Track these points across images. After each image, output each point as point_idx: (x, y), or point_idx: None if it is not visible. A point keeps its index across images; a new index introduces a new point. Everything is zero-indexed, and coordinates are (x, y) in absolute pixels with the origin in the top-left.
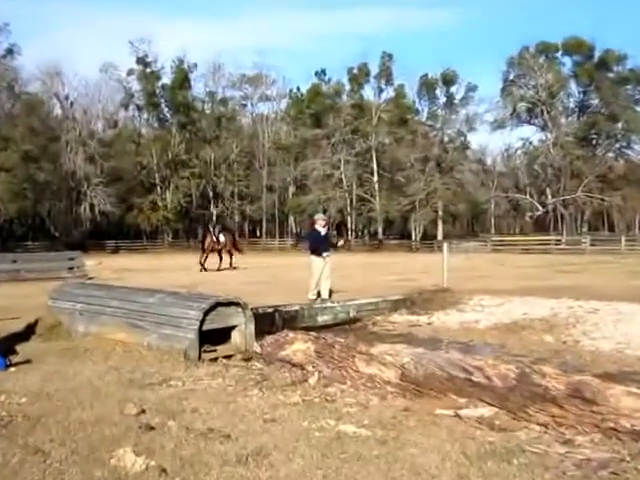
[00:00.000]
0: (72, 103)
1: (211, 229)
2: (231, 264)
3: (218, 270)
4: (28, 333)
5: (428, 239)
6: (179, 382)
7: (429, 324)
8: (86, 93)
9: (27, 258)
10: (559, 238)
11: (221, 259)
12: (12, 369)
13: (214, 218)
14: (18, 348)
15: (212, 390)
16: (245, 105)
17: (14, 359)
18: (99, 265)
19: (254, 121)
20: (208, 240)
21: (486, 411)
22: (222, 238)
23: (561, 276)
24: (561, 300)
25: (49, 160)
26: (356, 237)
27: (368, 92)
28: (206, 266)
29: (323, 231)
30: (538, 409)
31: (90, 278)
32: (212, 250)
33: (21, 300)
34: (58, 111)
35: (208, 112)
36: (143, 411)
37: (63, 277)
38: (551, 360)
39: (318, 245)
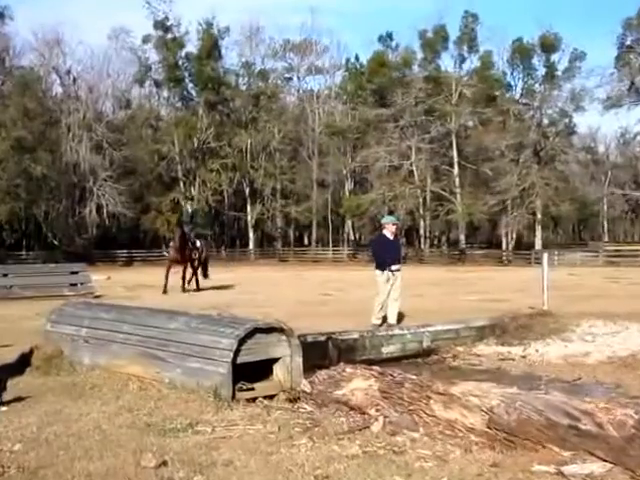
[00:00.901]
0: (75, 79)
1: (185, 229)
2: (197, 283)
3: (184, 290)
4: (22, 365)
5: (523, 249)
6: (208, 427)
7: (524, 357)
8: (92, 66)
9: (20, 271)
10: None
11: (195, 273)
12: (3, 408)
13: (252, 221)
14: (9, 384)
15: (249, 438)
16: (290, 79)
17: (4, 396)
18: (108, 280)
19: (301, 100)
20: (183, 248)
21: (597, 467)
22: (198, 243)
23: None
24: None
25: (47, 149)
26: (431, 246)
27: (446, 62)
28: (189, 285)
29: (392, 238)
30: None
31: (97, 296)
32: (183, 261)
33: (13, 323)
34: (58, 89)
35: (243, 88)
36: (164, 463)
37: (64, 295)
38: None
39: (386, 256)
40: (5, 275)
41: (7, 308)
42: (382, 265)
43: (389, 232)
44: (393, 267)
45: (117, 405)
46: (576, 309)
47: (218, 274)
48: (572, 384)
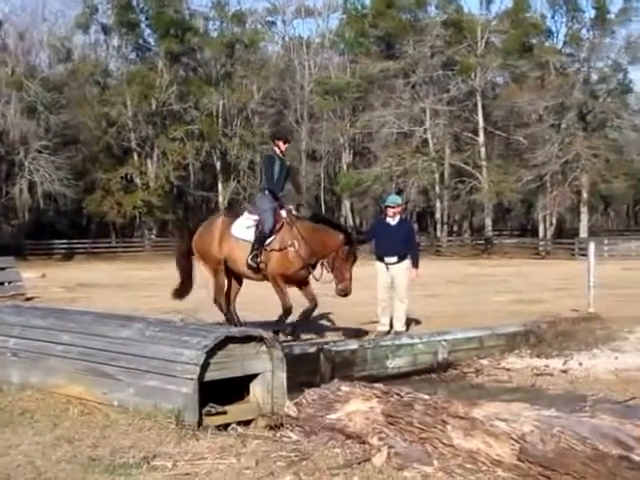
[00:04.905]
0: (1, 23)
1: None
2: None
3: None
4: None
5: (565, 237)
6: (168, 462)
7: (565, 372)
8: (22, 7)
9: None
10: None
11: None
12: None
13: (224, 202)
14: None
15: (219, 475)
16: (273, 24)
17: None
18: (43, 278)
19: (287, 50)
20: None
21: None
22: None
23: None
24: None
25: None
26: (450, 234)
27: (470, 1)
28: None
29: (394, 222)
30: None
31: (29, 299)
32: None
33: None
34: None
35: (214, 35)
36: None
37: None
38: None
39: (378, 244)
40: None
41: None
42: (376, 256)
43: (389, 215)
44: (387, 259)
45: (54, 435)
46: (630, 312)
47: None
48: (624, 405)
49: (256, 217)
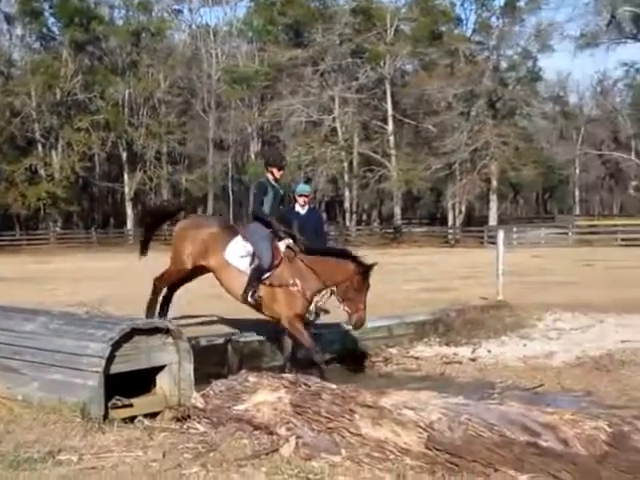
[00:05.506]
0: None
1: None
2: None
3: None
4: None
5: (474, 225)
6: (74, 456)
7: (474, 360)
8: None
9: None
10: None
11: None
12: None
13: (130, 193)
14: None
15: (126, 468)
16: (180, 12)
17: None
18: None
19: (194, 38)
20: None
21: None
22: None
23: None
24: None
25: None
26: (359, 223)
27: None
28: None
29: (303, 211)
30: None
31: None
32: None
33: None
34: None
35: (120, 24)
36: None
37: None
38: None
39: None
40: None
41: None
42: None
43: (299, 204)
44: None
45: None
46: (539, 299)
47: (87, 262)
48: (532, 392)
49: (250, 247)
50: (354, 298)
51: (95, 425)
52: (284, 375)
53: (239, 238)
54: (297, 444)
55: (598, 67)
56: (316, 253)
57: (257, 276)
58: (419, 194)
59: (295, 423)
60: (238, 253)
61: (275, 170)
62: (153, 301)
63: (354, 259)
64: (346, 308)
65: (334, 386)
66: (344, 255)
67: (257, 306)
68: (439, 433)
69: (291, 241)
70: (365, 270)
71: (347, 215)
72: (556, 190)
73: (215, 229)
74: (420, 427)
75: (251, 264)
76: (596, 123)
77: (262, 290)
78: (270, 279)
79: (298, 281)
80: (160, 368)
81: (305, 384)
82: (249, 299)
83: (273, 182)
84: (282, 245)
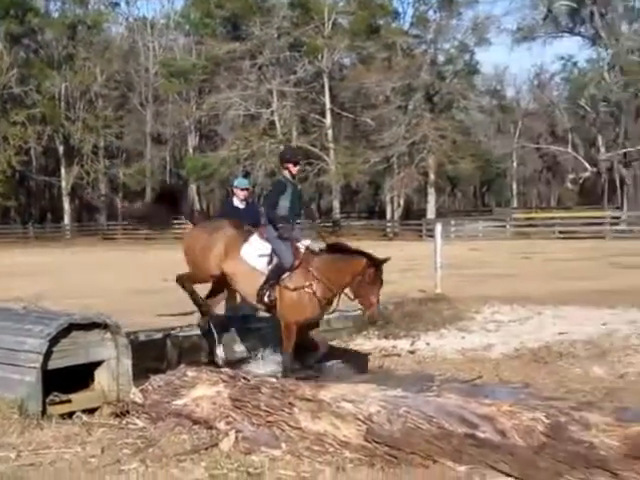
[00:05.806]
0: None
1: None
2: None
3: None
4: None
5: (412, 218)
6: (11, 453)
7: (412, 353)
8: None
9: None
10: (617, 214)
11: None
12: None
13: (67, 188)
14: None
15: (65, 464)
16: (116, 5)
17: None
18: None
19: (131, 31)
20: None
21: None
22: None
23: (619, 274)
24: (617, 311)
25: None
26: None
27: None
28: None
29: (242, 205)
30: (580, 479)
31: None
32: None
33: None
34: None
35: (56, 16)
36: None
37: None
38: (601, 404)
39: None
40: None
41: None
42: None
43: (237, 199)
44: None
45: None
46: (477, 292)
47: (24, 257)
48: (470, 384)
49: (268, 246)
50: (367, 293)
51: (33, 421)
52: (222, 369)
53: (256, 236)
54: (237, 438)
55: (535, 61)
56: (328, 252)
57: (276, 276)
58: (358, 187)
59: (234, 417)
60: (257, 252)
61: (291, 166)
62: (192, 293)
63: (366, 255)
64: (360, 303)
65: (273, 380)
66: (355, 252)
67: (271, 307)
68: (378, 426)
69: (310, 242)
70: (377, 265)
71: None
72: (494, 183)
73: (229, 229)
74: (359, 420)
75: (269, 264)
76: (533, 117)
77: (277, 291)
78: (285, 281)
79: (314, 285)
80: (98, 363)
81: (244, 378)
82: (265, 299)
83: (291, 179)
84: (302, 247)
